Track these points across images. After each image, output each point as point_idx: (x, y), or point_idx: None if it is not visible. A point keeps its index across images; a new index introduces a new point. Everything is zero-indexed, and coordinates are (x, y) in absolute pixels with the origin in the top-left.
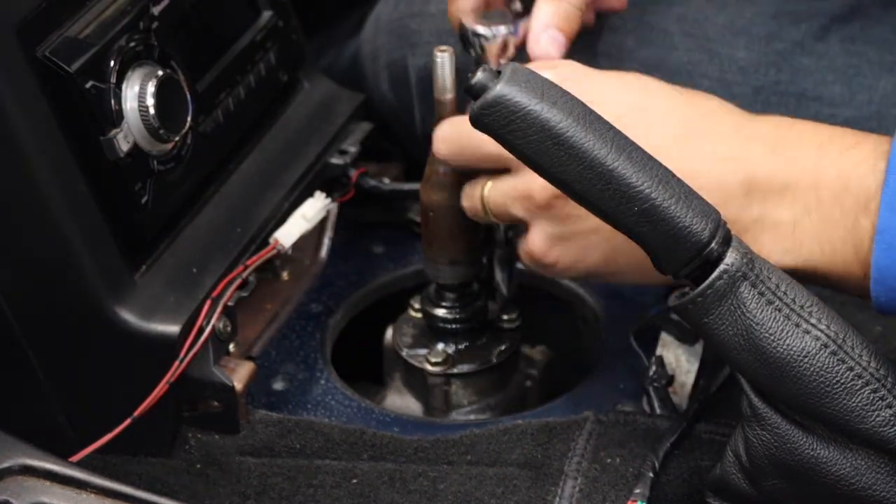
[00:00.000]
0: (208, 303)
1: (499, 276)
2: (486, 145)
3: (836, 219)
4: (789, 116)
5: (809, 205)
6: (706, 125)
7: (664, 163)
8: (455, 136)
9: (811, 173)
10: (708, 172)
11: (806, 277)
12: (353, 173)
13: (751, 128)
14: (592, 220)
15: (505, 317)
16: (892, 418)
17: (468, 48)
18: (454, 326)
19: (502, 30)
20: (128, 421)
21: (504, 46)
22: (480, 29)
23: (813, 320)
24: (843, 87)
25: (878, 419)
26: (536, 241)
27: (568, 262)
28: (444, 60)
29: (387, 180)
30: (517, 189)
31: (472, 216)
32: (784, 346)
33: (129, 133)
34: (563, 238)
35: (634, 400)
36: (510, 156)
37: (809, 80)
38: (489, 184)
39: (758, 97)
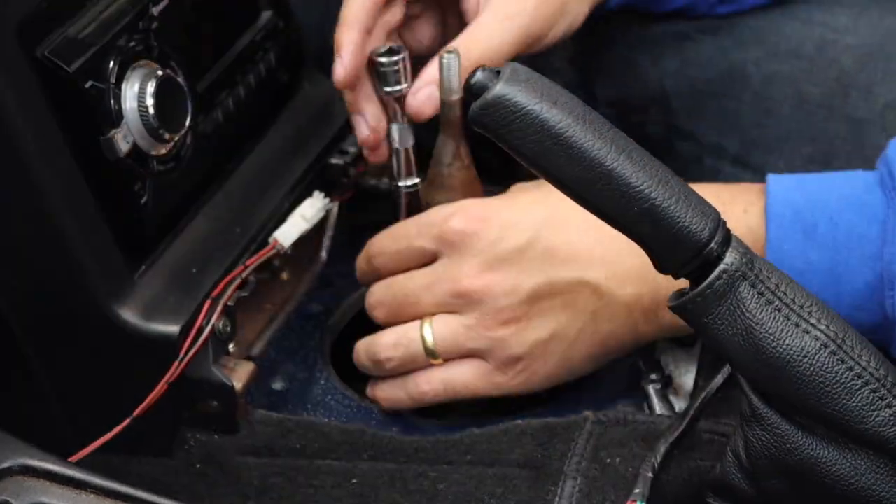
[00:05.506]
0: (208, 303)
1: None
2: (422, 295)
3: None
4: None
5: None
6: None
7: (591, 259)
8: (390, 296)
9: None
10: (630, 257)
11: None
12: (353, 173)
13: None
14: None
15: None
16: (891, 418)
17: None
18: None
19: (400, 54)
20: (127, 421)
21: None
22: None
23: (812, 320)
24: (848, 18)
25: (877, 419)
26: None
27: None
28: (450, 62)
29: (387, 180)
30: (468, 321)
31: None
32: (784, 346)
33: (129, 133)
34: (521, 358)
35: (634, 400)
36: None
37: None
38: (430, 322)
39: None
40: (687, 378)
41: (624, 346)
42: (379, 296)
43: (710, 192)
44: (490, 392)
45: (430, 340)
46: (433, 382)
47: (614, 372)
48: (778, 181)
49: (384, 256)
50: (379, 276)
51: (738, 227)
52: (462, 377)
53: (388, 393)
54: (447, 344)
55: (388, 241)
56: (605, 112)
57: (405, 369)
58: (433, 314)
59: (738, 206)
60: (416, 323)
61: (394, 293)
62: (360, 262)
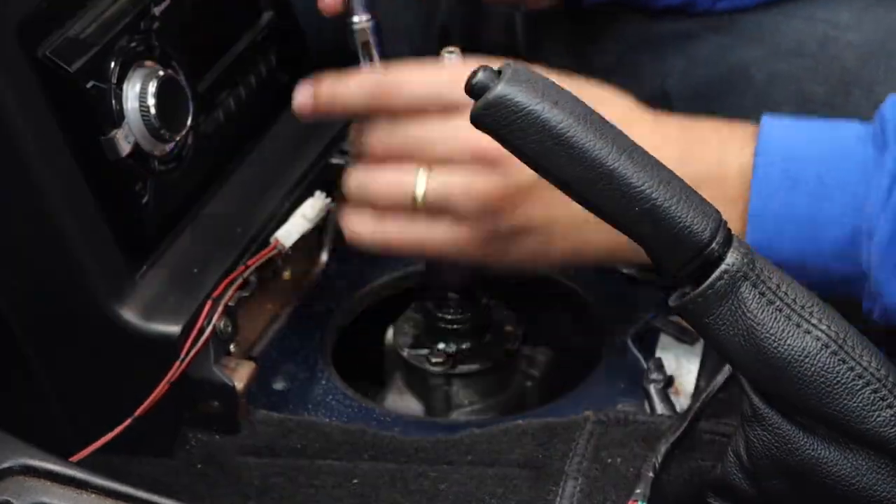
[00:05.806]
0: (209, 303)
1: None
2: (436, 144)
3: (741, 209)
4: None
5: (716, 199)
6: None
7: None
8: (399, 137)
9: (716, 169)
10: None
11: None
12: None
13: (661, 132)
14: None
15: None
16: (892, 419)
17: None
18: (455, 326)
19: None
20: (128, 421)
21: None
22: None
23: (814, 320)
24: (850, 15)
25: (878, 419)
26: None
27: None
28: (451, 61)
29: None
30: (471, 182)
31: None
32: (785, 347)
33: (130, 133)
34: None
35: (634, 400)
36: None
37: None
38: (429, 171)
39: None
40: (688, 378)
41: (598, 257)
42: (384, 135)
43: (709, 126)
44: (457, 259)
45: (420, 190)
46: (405, 233)
47: (615, 372)
48: (771, 126)
49: (400, 98)
50: (370, 111)
51: (732, 164)
52: (438, 237)
53: (356, 224)
54: (438, 198)
55: (417, 84)
56: None
57: (387, 210)
58: (435, 165)
59: (735, 142)
60: (414, 167)
61: (404, 135)
62: (362, 86)
